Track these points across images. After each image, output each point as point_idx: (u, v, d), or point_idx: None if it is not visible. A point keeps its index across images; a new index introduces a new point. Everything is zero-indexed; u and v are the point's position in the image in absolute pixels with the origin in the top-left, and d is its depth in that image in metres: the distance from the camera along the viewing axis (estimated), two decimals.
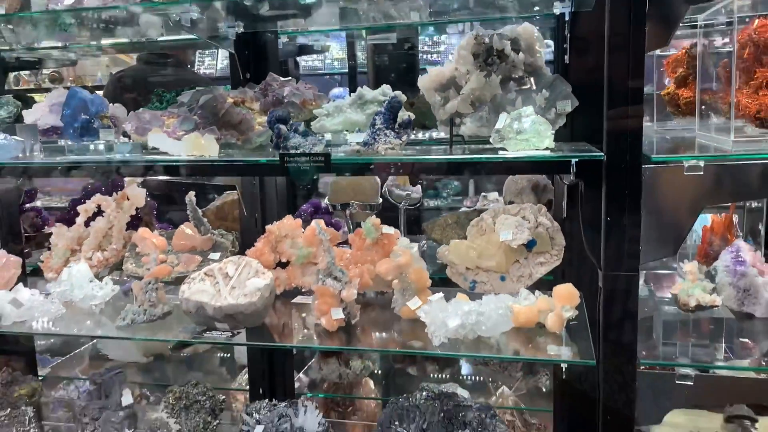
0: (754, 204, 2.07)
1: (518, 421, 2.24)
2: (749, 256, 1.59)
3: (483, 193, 2.46)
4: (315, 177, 2.63)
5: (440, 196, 3.90)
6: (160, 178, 2.29)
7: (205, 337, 1.62)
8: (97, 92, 1.90)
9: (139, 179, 2.15)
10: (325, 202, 2.37)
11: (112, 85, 2.97)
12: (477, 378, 2.40)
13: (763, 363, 1.34)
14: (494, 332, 1.51)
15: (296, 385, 2.40)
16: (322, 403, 2.42)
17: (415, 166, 1.48)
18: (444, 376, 2.34)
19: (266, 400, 1.98)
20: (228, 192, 2.34)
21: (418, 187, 2.38)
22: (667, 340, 1.39)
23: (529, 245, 1.74)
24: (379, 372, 2.49)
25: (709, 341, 1.35)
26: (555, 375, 1.96)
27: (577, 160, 1.32)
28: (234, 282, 1.68)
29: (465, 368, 2.38)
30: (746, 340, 1.41)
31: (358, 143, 1.44)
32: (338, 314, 1.60)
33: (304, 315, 1.79)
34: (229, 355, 2.75)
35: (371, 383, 2.52)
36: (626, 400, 1.34)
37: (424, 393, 1.87)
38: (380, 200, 2.26)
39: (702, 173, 1.25)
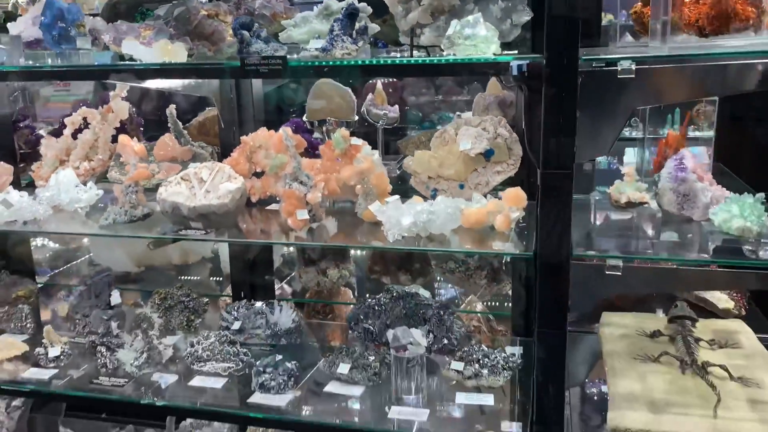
0: None
1: (484, 326, 2.39)
2: (691, 163, 1.68)
3: (458, 113, 2.53)
4: (294, 93, 2.71)
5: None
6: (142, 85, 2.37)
7: (180, 234, 1.74)
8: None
9: (124, 93, 2.24)
10: (304, 118, 2.46)
11: (106, 13, 3.02)
12: (447, 288, 2.54)
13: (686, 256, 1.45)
14: (444, 229, 1.62)
15: (278, 293, 2.55)
16: (305, 313, 2.58)
17: (367, 69, 1.56)
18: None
19: (244, 301, 2.13)
20: (210, 108, 2.43)
21: (396, 107, 2.46)
22: (600, 234, 1.50)
23: (487, 155, 1.84)
24: (355, 281, 2.62)
25: (639, 235, 1.45)
26: (513, 278, 2.09)
27: (519, 63, 1.39)
28: (208, 186, 1.80)
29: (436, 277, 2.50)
30: (674, 234, 1.51)
31: (317, 49, 1.52)
32: (303, 215, 1.72)
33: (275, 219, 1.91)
34: (217, 267, 2.90)
35: (349, 293, 2.67)
36: (560, 290, 1.46)
37: (388, 293, 2.01)
38: (356, 117, 2.35)
39: (634, 77, 1.33)
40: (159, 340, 1.89)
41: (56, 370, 1.89)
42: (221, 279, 2.91)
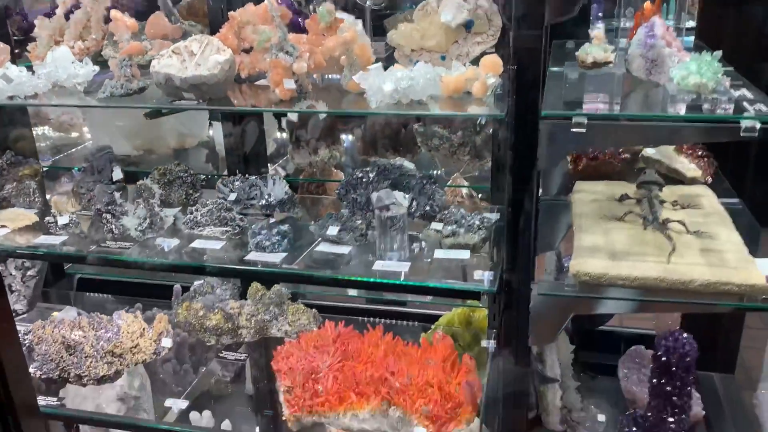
0: None
1: (467, 202, 2.53)
2: (661, 30, 1.75)
3: None
4: None
5: None
6: None
7: (174, 105, 1.84)
8: None
9: None
10: None
11: None
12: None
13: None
14: (423, 94, 1.72)
15: (272, 173, 2.66)
16: (298, 194, 2.70)
17: None
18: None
19: (239, 175, 2.25)
20: None
21: None
22: (568, 95, 1.59)
23: (468, 26, 1.90)
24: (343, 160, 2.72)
25: (603, 94, 1.55)
26: (492, 150, 2.20)
27: None
28: (198, 59, 1.87)
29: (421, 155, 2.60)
30: (638, 94, 1.61)
31: None
32: (290, 84, 1.80)
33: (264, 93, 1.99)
34: (212, 152, 3.01)
35: (341, 174, 2.79)
36: (530, 146, 1.57)
37: (374, 166, 2.12)
38: None
39: None
40: (160, 208, 2.02)
41: (66, 237, 2.03)
42: (217, 164, 3.03)
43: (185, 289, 2.60)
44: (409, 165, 2.11)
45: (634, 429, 2.58)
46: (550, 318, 1.69)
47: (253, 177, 2.20)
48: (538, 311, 1.68)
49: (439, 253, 1.83)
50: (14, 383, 1.72)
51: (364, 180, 2.09)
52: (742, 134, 1.40)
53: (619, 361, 3.06)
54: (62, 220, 2.02)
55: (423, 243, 1.89)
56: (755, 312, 1.54)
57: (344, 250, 1.89)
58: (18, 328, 2.39)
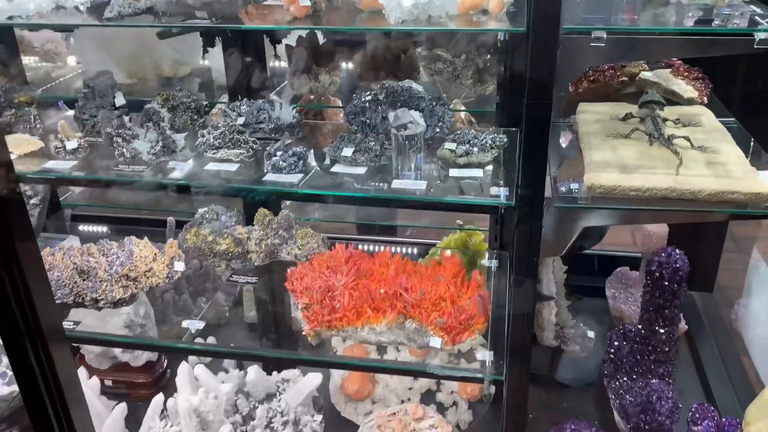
0: None
1: (467, 125, 2.57)
2: None
3: None
4: None
5: None
6: None
7: (186, 23, 1.81)
8: None
9: None
10: None
11: None
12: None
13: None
14: (441, 11, 1.73)
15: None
16: None
17: None
18: None
19: (245, 99, 2.24)
20: None
21: None
22: (586, 10, 1.63)
23: None
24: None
25: (621, 8, 1.58)
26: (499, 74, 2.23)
27: None
28: None
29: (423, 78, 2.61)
30: (654, 7, 1.65)
31: None
32: (305, 1, 1.79)
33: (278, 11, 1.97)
34: (207, 81, 2.97)
35: (338, 102, 2.79)
36: (549, 61, 1.61)
37: (383, 88, 2.14)
38: None
39: None
40: (170, 132, 2.01)
41: (75, 162, 2.01)
42: (212, 92, 3.00)
43: (179, 223, 2.61)
44: (417, 87, 2.13)
45: (624, 342, 2.73)
46: (562, 231, 1.77)
47: (260, 101, 2.19)
48: (551, 225, 1.75)
49: (453, 172, 1.88)
50: (41, 307, 1.75)
51: (373, 102, 2.11)
52: (756, 46, 1.46)
53: (606, 282, 3.20)
54: (70, 145, 2.00)
55: (437, 163, 1.93)
56: (755, 220, 1.62)
57: (360, 171, 1.92)
58: None
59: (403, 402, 2.59)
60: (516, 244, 1.79)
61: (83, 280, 2.11)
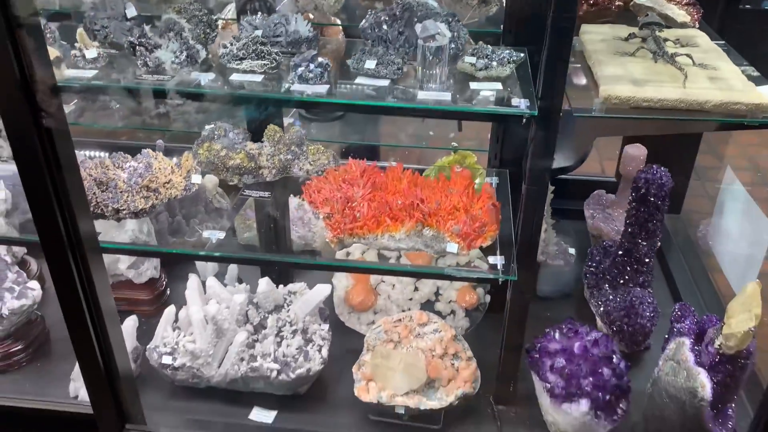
0: None
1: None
2: None
3: None
4: None
5: None
6: None
7: None
8: None
9: None
10: None
11: None
12: None
13: None
14: None
15: None
16: None
17: None
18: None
19: (259, 13, 2.25)
20: None
21: None
22: None
23: None
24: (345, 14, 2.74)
25: None
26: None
27: None
28: None
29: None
30: None
31: None
32: None
33: None
34: None
35: (339, 21, 2.81)
36: None
37: (398, 4, 2.18)
38: None
39: None
40: (192, 41, 2.02)
41: (96, 71, 2.01)
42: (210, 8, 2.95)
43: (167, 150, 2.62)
44: (433, 3, 2.18)
45: (603, 256, 2.94)
46: (578, 142, 1.90)
47: (274, 14, 2.21)
48: (568, 134, 1.88)
49: (473, 85, 1.97)
50: (81, 218, 1.79)
51: (389, 18, 2.16)
52: None
53: (585, 203, 3.39)
54: (90, 54, 1.99)
55: (457, 75, 2.02)
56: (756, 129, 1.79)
57: (382, 83, 1.99)
58: None
59: (403, 311, 2.74)
60: (533, 153, 1.91)
61: (102, 191, 2.14)
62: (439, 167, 2.97)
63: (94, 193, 2.14)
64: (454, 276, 2.02)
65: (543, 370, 2.27)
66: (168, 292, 3.03)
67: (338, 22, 2.82)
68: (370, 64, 1.99)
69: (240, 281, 2.95)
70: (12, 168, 2.42)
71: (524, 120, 1.81)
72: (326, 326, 2.62)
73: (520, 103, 1.87)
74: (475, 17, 2.61)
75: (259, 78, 2.00)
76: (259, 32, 2.16)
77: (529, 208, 2.01)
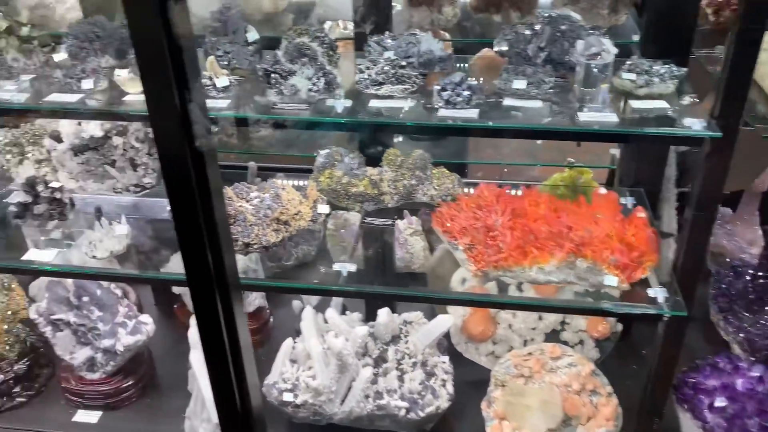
0: None
1: None
2: None
3: None
4: None
5: None
6: None
7: None
8: None
9: None
10: None
11: None
12: None
13: None
14: None
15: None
16: None
17: None
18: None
19: (387, 32, 2.13)
20: None
21: None
22: None
23: None
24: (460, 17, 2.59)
25: None
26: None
27: None
28: None
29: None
30: None
31: None
32: None
33: None
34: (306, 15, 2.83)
35: (448, 35, 2.68)
36: None
37: (538, 18, 2.04)
38: None
39: None
40: (330, 67, 1.91)
41: (229, 100, 1.90)
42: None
43: (261, 169, 2.49)
44: (576, 15, 2.03)
45: (735, 277, 2.72)
46: (757, 162, 1.73)
47: (405, 33, 2.08)
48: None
49: (636, 104, 1.81)
50: (226, 251, 1.68)
51: (528, 33, 2.01)
52: None
53: None
54: (221, 82, 1.89)
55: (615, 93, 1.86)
56: None
57: (533, 104, 1.84)
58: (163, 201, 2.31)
59: (526, 342, 2.59)
60: (705, 177, 1.74)
61: (231, 224, 2.03)
62: (552, 185, 2.81)
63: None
64: (613, 312, 1.85)
65: (699, 410, 2.09)
66: (271, 320, 2.93)
67: (447, 36, 2.69)
68: (520, 84, 1.85)
69: (345, 309, 2.83)
70: (128, 199, 2.35)
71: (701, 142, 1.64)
72: (446, 358, 2.48)
73: (694, 124, 1.70)
74: (603, 27, 2.45)
75: (399, 104, 1.87)
76: (389, 53, 2.03)
77: (695, 234, 1.84)
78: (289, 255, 2.36)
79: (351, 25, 2.80)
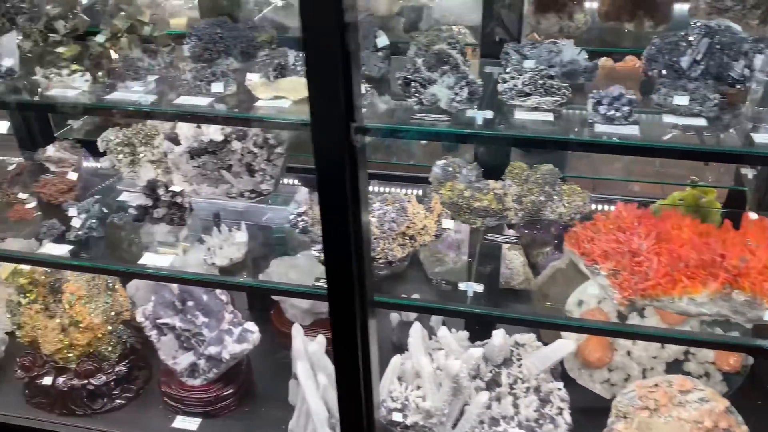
0: None
1: None
2: None
3: None
4: None
5: None
6: None
7: None
8: None
9: None
10: None
11: None
12: None
13: None
14: None
15: None
16: None
17: None
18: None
19: (525, 40, 2.01)
20: None
21: None
22: None
23: None
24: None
25: None
26: None
27: None
28: None
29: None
30: None
31: None
32: None
33: None
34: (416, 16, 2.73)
35: None
36: None
37: (694, 28, 1.88)
38: None
39: None
40: (469, 74, 1.80)
41: (364, 109, 1.81)
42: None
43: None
44: (736, 26, 1.87)
45: None
46: None
47: (546, 41, 1.96)
48: None
49: None
50: (366, 265, 1.60)
51: (682, 44, 1.86)
52: None
53: None
54: None
55: None
56: None
57: (698, 122, 1.70)
58: (285, 208, 2.24)
59: (645, 371, 2.43)
60: None
61: None
62: (671, 203, 2.65)
63: None
64: None
65: None
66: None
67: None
68: (682, 100, 1.70)
69: (444, 325, 2.72)
70: (241, 204, 2.29)
71: None
72: (561, 384, 2.35)
73: None
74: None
75: (545, 116, 1.75)
76: (529, 62, 1.91)
77: None
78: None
79: (464, 30, 2.70)
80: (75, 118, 2.51)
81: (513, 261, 2.49)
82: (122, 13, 2.20)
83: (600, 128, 1.67)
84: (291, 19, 2.59)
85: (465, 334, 2.49)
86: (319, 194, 1.42)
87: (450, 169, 2.25)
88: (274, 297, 2.82)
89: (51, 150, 2.62)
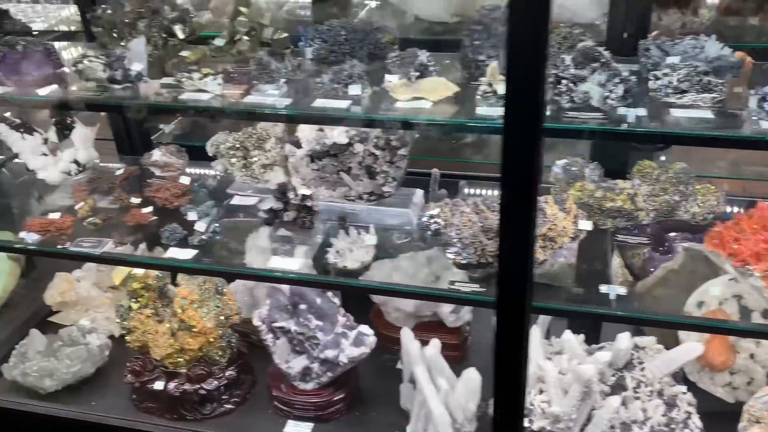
0: None
1: None
2: None
3: None
4: None
5: None
6: None
7: None
8: None
9: None
10: None
11: None
12: None
13: None
14: None
15: None
16: None
17: None
18: None
19: (661, 37, 1.96)
20: None
21: None
22: None
23: None
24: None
25: None
26: None
27: None
28: None
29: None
30: None
31: None
32: None
33: None
34: None
35: None
36: None
37: None
38: None
39: None
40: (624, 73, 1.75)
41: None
42: None
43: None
44: None
45: None
46: None
47: (686, 40, 1.91)
48: None
49: None
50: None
51: None
52: None
53: None
54: (501, 89, 1.77)
55: None
56: None
57: None
58: (405, 211, 2.22)
59: None
60: None
61: (488, 238, 1.92)
62: None
63: (481, 241, 1.92)
64: None
65: None
66: (470, 336, 2.81)
67: None
68: None
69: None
70: (350, 206, 2.26)
71: None
72: (684, 388, 2.29)
73: None
74: None
75: (701, 114, 1.71)
76: (672, 59, 1.86)
77: None
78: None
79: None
80: (216, 122, 2.50)
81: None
82: (241, 18, 2.20)
83: (766, 125, 1.63)
84: (387, 20, 2.57)
85: (581, 337, 2.45)
86: (504, 199, 1.38)
87: (574, 168, 2.21)
88: (374, 299, 2.80)
89: (157, 154, 2.63)
